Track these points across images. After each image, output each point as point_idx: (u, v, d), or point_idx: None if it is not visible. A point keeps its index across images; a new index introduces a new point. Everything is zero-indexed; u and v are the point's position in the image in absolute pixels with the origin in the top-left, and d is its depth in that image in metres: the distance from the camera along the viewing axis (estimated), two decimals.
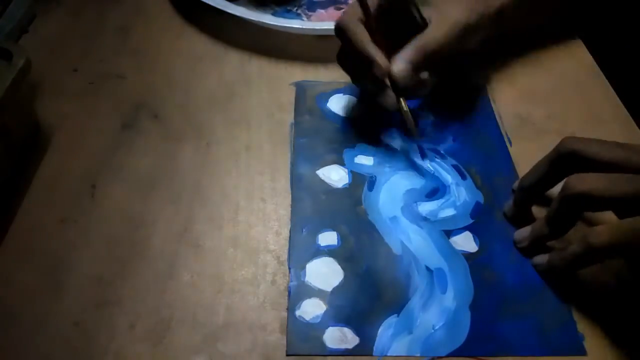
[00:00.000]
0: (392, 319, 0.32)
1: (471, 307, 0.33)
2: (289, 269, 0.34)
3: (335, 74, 0.47)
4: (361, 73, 0.41)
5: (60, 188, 0.38)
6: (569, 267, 0.32)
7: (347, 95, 0.45)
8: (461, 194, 0.39)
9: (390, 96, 0.41)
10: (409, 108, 0.40)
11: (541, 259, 0.34)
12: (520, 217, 0.37)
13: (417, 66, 0.38)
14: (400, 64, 0.38)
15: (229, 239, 0.36)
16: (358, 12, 0.39)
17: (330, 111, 0.44)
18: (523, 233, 0.35)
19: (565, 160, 0.33)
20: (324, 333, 0.31)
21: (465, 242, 0.36)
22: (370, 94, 0.43)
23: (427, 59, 0.39)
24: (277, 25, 0.48)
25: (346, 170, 0.40)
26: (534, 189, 0.35)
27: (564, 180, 0.32)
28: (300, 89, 0.46)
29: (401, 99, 0.40)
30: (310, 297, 0.33)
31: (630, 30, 0.49)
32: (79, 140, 0.41)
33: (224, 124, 0.43)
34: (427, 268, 0.35)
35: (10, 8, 0.48)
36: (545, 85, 0.47)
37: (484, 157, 0.41)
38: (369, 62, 0.38)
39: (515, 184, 0.38)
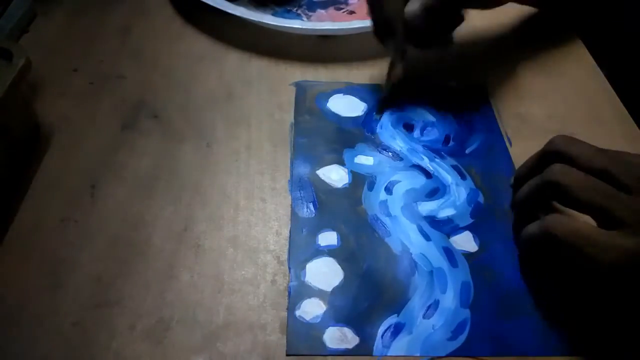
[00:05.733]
0: (392, 319, 0.32)
1: (471, 307, 0.33)
2: (289, 269, 0.34)
3: (335, 74, 0.47)
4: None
5: (60, 188, 0.38)
6: (525, 244, 0.34)
7: (347, 95, 0.45)
8: (461, 194, 0.39)
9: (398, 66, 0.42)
10: (402, 67, 0.42)
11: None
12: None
13: (429, 7, 0.39)
14: (414, 4, 0.39)
15: (229, 239, 0.36)
16: None
17: (330, 111, 0.44)
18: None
19: (551, 157, 0.33)
20: (324, 333, 0.31)
21: (465, 242, 0.36)
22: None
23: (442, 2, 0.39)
24: (277, 26, 0.48)
25: (346, 170, 0.40)
26: (525, 181, 0.35)
27: (550, 166, 0.32)
28: (300, 89, 0.46)
29: (400, 53, 0.42)
30: (310, 297, 0.33)
31: (630, 30, 0.49)
32: (79, 140, 0.41)
33: (224, 124, 0.43)
34: (427, 268, 0.35)
35: (11, 8, 0.48)
36: (545, 85, 0.47)
37: (484, 157, 0.41)
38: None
39: (512, 179, 0.38)
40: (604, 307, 0.33)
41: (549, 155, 0.33)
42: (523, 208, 0.35)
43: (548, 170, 0.32)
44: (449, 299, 0.33)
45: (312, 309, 0.32)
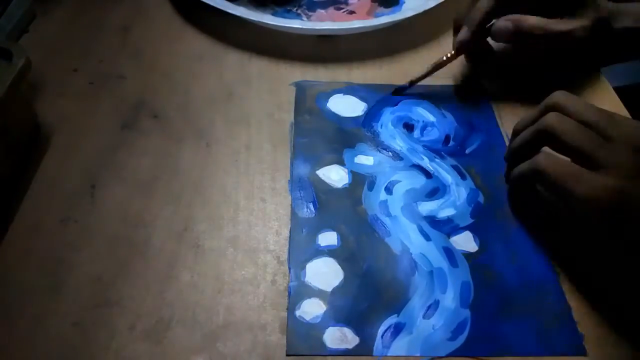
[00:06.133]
0: (392, 319, 0.32)
1: (471, 307, 0.33)
2: (289, 269, 0.34)
3: (335, 74, 0.47)
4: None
5: (60, 188, 0.38)
6: (515, 181, 0.37)
7: (347, 95, 0.45)
8: (461, 193, 0.39)
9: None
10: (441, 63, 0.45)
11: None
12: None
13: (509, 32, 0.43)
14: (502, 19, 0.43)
15: (229, 239, 0.36)
16: None
17: (330, 111, 0.44)
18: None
19: (549, 109, 0.35)
20: (324, 333, 0.31)
21: (465, 242, 0.36)
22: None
23: (524, 31, 0.42)
24: (277, 25, 0.48)
25: (346, 170, 0.40)
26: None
27: (547, 114, 0.35)
28: (300, 89, 0.46)
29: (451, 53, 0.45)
30: (310, 297, 0.33)
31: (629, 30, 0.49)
32: (79, 140, 0.41)
33: (224, 124, 0.43)
34: (427, 268, 0.35)
35: (10, 8, 0.48)
36: (545, 86, 0.47)
37: (484, 157, 0.41)
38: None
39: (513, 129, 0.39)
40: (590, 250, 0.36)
41: (548, 109, 0.36)
42: (517, 153, 0.37)
43: (544, 117, 0.35)
44: (449, 299, 0.33)
45: (312, 309, 0.32)
